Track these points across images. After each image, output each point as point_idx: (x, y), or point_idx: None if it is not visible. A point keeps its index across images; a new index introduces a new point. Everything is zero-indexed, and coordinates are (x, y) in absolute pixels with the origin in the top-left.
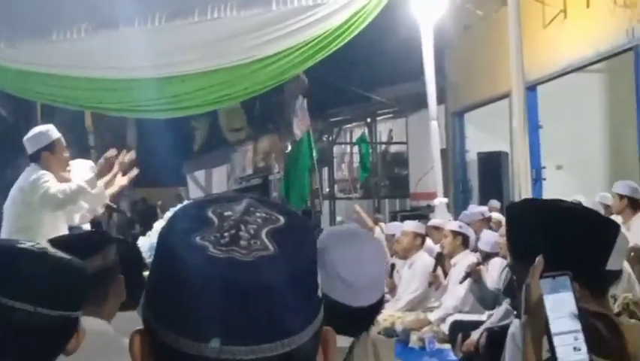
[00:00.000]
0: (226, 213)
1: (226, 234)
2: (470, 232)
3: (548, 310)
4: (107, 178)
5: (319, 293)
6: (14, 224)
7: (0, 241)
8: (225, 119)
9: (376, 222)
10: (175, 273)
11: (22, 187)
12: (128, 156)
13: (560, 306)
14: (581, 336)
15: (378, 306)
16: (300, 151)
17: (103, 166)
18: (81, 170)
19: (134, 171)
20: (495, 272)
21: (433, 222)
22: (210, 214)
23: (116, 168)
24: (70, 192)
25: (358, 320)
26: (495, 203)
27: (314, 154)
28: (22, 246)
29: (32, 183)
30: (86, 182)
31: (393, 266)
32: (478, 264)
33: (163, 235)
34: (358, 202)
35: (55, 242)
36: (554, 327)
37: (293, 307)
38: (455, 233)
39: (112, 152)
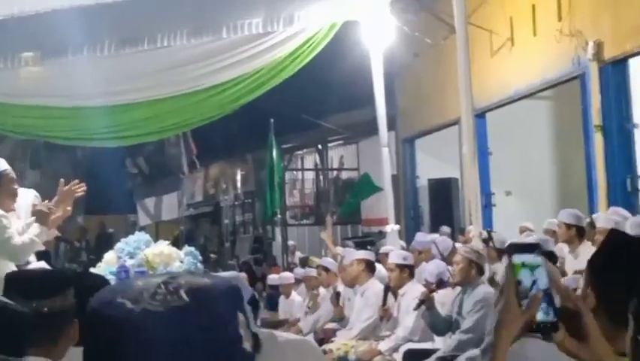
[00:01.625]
0: (153, 280)
1: (145, 293)
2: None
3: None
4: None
5: (245, 346)
6: None
7: None
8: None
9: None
10: (95, 320)
11: None
12: (79, 187)
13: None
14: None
15: None
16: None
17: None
18: (25, 199)
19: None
20: (446, 300)
21: (384, 249)
22: (138, 282)
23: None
24: (27, 246)
25: None
26: (446, 229)
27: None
28: None
29: None
30: (33, 232)
31: (338, 294)
32: (431, 291)
33: (89, 306)
34: (310, 228)
35: (15, 280)
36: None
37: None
38: (401, 266)
39: (62, 183)
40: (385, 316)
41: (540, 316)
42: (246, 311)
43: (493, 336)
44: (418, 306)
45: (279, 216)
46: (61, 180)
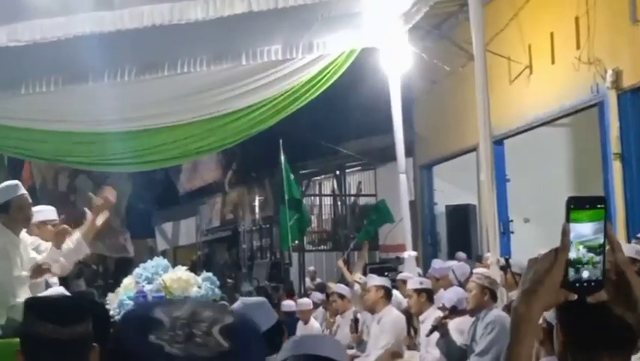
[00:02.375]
0: (175, 314)
1: (180, 332)
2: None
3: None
4: (85, 230)
5: None
6: None
7: None
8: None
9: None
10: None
11: None
12: (108, 194)
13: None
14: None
15: None
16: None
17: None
18: (46, 214)
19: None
20: (465, 327)
21: (401, 275)
22: (159, 315)
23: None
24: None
25: None
26: (462, 255)
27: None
28: None
29: None
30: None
31: (356, 321)
32: (445, 317)
33: (116, 337)
34: (327, 254)
35: (41, 304)
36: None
37: None
38: (418, 291)
39: (92, 197)
40: (410, 344)
41: (586, 273)
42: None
43: (519, 305)
44: (431, 332)
45: (296, 241)
46: (90, 193)
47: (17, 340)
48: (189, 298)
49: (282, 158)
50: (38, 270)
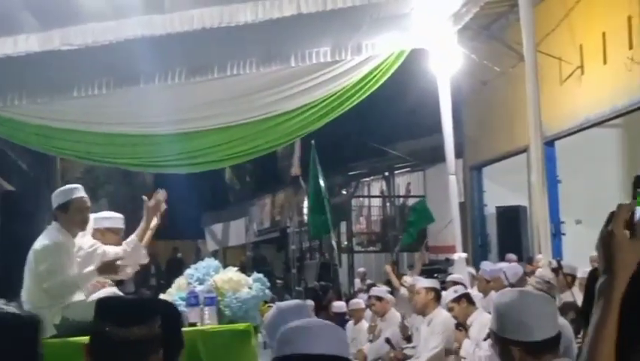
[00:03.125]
0: None
1: None
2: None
3: None
4: (139, 232)
5: None
6: (29, 284)
7: None
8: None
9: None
10: None
11: (35, 248)
12: (159, 196)
13: None
14: None
15: None
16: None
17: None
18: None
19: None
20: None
21: (451, 277)
22: None
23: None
24: (67, 286)
25: None
26: (512, 257)
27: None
28: None
29: (44, 251)
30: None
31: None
32: None
33: None
34: (376, 255)
35: (104, 305)
36: None
37: None
38: (458, 299)
39: (146, 200)
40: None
41: None
42: None
43: (605, 279)
44: (489, 336)
45: (346, 243)
46: (144, 197)
47: (71, 339)
48: None
49: (313, 158)
50: (110, 266)
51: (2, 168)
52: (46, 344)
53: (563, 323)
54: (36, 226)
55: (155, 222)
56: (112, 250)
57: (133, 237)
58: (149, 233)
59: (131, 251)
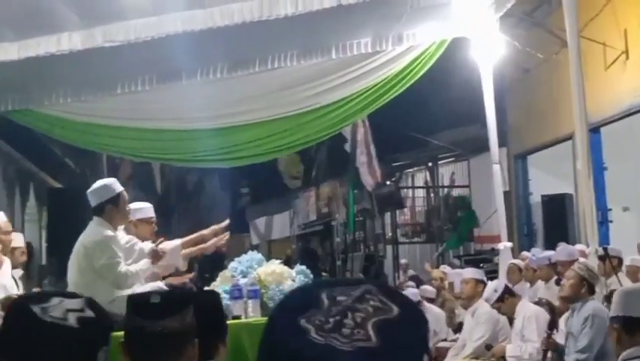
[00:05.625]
0: (339, 298)
1: (331, 319)
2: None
3: None
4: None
5: None
6: (79, 280)
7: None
8: (285, 167)
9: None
10: (275, 350)
11: (85, 244)
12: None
13: None
14: None
15: None
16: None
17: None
18: (145, 211)
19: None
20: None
21: (516, 262)
22: (323, 296)
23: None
24: (131, 276)
25: None
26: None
27: None
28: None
29: (98, 245)
30: (141, 266)
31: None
32: (549, 336)
33: (274, 310)
34: (421, 246)
35: (135, 301)
36: None
37: None
38: (501, 298)
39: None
40: (550, 347)
41: None
42: (430, 351)
43: None
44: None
45: (390, 234)
46: (228, 221)
47: (115, 334)
48: (365, 281)
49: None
50: (156, 254)
51: (49, 166)
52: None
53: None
54: (83, 223)
55: (212, 245)
56: (147, 247)
57: (177, 241)
58: (195, 249)
59: (169, 251)
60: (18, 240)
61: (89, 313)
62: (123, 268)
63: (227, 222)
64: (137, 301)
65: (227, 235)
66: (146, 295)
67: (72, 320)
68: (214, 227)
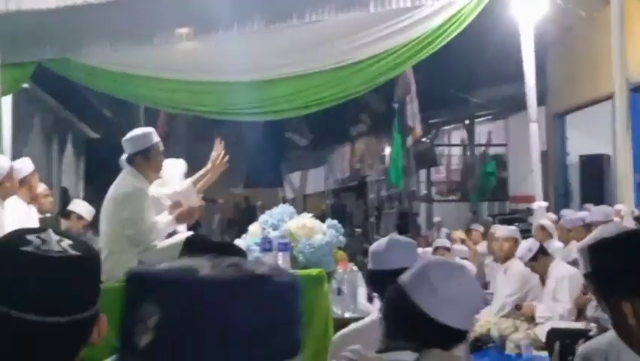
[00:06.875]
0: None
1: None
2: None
3: None
4: (197, 177)
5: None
6: (108, 231)
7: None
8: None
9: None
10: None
11: (113, 195)
12: (219, 150)
13: None
14: None
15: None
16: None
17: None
18: (174, 169)
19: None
20: None
21: (542, 222)
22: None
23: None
24: (154, 232)
25: (451, 338)
26: (590, 206)
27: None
28: (23, 249)
29: (125, 198)
30: (165, 220)
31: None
32: (584, 293)
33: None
34: (456, 205)
35: (194, 244)
36: None
37: None
38: (535, 257)
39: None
40: (583, 305)
41: None
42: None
43: None
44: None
45: (425, 191)
46: (217, 140)
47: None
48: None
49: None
50: (184, 215)
51: (87, 116)
52: (121, 287)
53: None
54: (119, 173)
55: (219, 170)
56: (164, 195)
57: (188, 180)
58: (206, 179)
59: (182, 192)
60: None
61: (70, 240)
62: (146, 224)
63: (218, 140)
64: (195, 247)
65: (223, 154)
66: (204, 242)
67: (70, 249)
68: (213, 155)
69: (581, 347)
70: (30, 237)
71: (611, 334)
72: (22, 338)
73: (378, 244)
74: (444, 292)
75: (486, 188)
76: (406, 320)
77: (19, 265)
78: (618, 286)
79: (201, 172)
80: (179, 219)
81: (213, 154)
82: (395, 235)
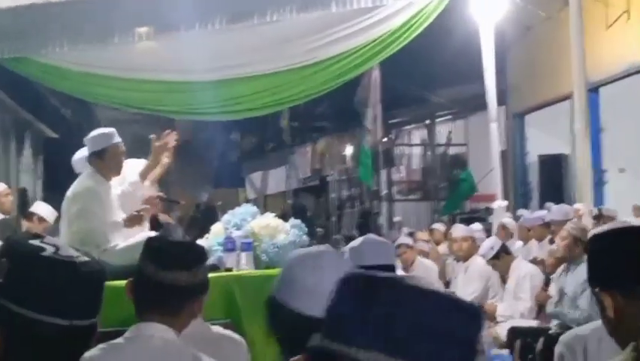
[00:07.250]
0: None
1: None
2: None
3: None
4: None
5: None
6: (66, 230)
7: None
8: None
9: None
10: None
11: (67, 194)
12: (170, 138)
13: None
14: None
15: None
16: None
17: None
18: (129, 170)
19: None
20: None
21: (504, 221)
22: None
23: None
24: (98, 235)
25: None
26: (551, 205)
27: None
28: (43, 255)
29: (74, 196)
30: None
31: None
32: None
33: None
34: (416, 204)
35: (153, 246)
36: None
37: None
38: (497, 256)
39: (154, 138)
40: (543, 301)
41: None
42: None
43: None
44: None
45: (386, 191)
46: (153, 135)
47: (109, 283)
48: None
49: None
50: (136, 218)
51: (45, 116)
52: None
53: None
54: (78, 174)
55: (165, 160)
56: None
57: (135, 177)
58: (157, 171)
59: (127, 193)
60: None
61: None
62: (92, 223)
63: (173, 134)
64: (154, 247)
65: (174, 136)
66: (164, 242)
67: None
68: (159, 142)
69: (563, 335)
70: (33, 242)
71: (596, 321)
72: (49, 342)
73: (355, 241)
74: (301, 283)
75: (460, 197)
76: (283, 324)
77: (52, 271)
78: (601, 278)
79: (148, 163)
80: (130, 222)
81: (156, 144)
82: (372, 235)
